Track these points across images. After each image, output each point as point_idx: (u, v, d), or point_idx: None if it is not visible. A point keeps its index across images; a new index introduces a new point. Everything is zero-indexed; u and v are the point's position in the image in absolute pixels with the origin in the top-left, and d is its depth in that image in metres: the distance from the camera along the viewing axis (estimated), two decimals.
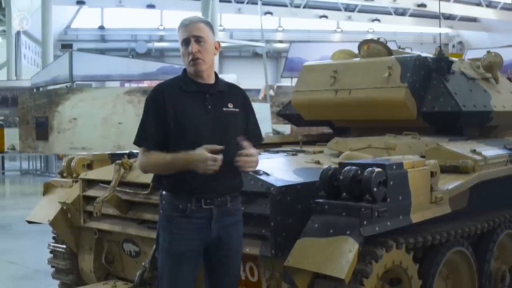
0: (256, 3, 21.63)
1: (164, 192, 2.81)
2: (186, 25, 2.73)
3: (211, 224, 2.74)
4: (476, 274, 3.72)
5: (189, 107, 2.71)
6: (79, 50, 24.79)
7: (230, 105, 2.79)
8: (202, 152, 2.58)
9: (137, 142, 2.76)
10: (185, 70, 2.83)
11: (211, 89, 2.77)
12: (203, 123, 2.70)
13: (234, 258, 2.85)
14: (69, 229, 4.21)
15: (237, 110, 2.81)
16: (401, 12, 32.77)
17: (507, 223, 4.10)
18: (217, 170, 2.59)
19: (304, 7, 30.94)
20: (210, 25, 2.80)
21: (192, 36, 2.70)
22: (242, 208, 3.00)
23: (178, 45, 2.80)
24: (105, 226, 3.95)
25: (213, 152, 2.58)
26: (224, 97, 2.80)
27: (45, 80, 17.60)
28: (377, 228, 2.78)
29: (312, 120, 5.50)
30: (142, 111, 2.79)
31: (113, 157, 4.31)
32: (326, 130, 6.05)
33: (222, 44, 14.86)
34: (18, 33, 23.88)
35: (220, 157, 2.58)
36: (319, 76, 5.02)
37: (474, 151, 3.76)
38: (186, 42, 2.72)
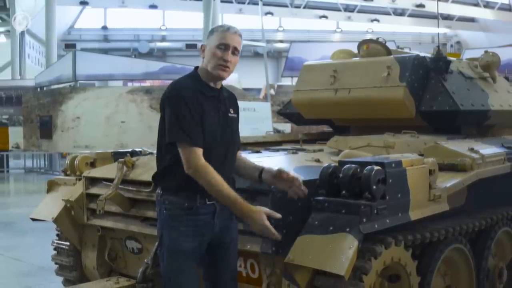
0: (257, 4, 21.58)
1: (163, 193, 2.81)
2: (231, 32, 2.80)
3: (215, 219, 2.79)
4: (474, 271, 3.74)
5: (207, 110, 2.77)
6: (83, 50, 24.84)
7: (232, 111, 2.91)
8: (262, 217, 2.67)
9: (193, 142, 2.66)
10: (195, 70, 2.86)
11: (220, 94, 2.87)
12: (217, 127, 2.79)
13: (232, 251, 2.93)
14: (72, 227, 4.24)
15: (235, 115, 2.93)
16: (400, 13, 32.70)
17: (505, 220, 4.12)
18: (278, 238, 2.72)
19: (304, 7, 30.89)
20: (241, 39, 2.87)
21: (233, 46, 2.79)
22: None
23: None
24: (108, 223, 3.96)
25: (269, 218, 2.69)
26: (227, 103, 2.90)
27: (49, 80, 17.66)
28: (376, 226, 2.81)
29: (312, 119, 5.53)
30: (171, 110, 2.69)
31: (116, 155, 4.35)
32: (326, 128, 6.06)
33: None
34: (22, 33, 23.87)
35: (278, 236, 2.70)
36: (319, 75, 5.06)
37: (472, 150, 3.78)
38: (225, 47, 2.76)
